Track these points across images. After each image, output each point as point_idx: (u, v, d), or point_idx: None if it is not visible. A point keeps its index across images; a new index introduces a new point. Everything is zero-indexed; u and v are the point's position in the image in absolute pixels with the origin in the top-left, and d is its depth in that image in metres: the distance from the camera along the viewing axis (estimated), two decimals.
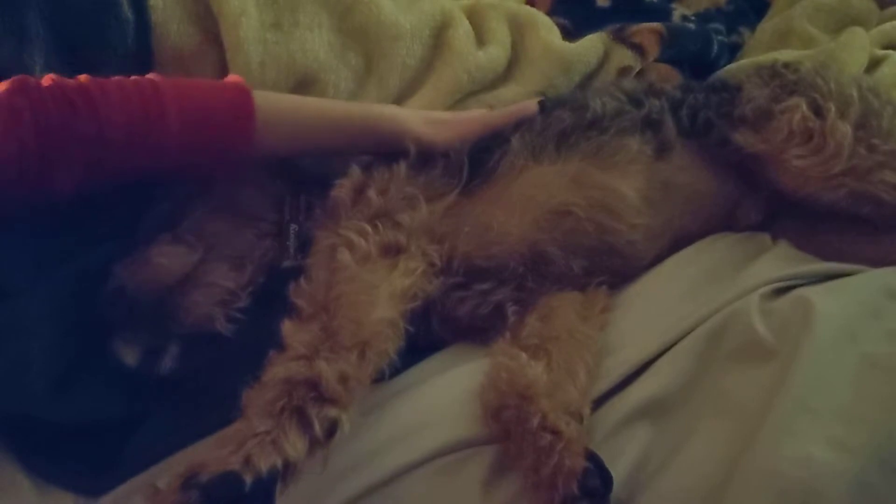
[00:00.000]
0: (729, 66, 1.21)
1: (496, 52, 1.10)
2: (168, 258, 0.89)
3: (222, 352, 0.88)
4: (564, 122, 0.92)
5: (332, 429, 0.66)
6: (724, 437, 0.67)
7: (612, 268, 0.87)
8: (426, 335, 0.85)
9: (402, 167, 0.91)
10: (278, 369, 0.69)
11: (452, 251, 0.86)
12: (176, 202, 0.95)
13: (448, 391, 0.77)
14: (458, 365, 0.81)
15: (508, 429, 0.69)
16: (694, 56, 1.23)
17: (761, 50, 1.29)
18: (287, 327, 0.74)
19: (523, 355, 0.75)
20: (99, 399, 0.84)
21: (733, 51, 1.35)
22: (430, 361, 0.83)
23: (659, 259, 0.90)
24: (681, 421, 0.71)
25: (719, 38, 1.29)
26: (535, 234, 0.86)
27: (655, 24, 1.18)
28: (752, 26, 1.40)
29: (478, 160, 0.91)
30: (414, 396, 0.77)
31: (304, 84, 1.01)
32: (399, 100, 1.07)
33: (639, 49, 1.14)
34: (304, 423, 0.65)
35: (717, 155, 0.93)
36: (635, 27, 1.16)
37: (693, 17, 1.34)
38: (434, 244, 0.85)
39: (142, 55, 0.93)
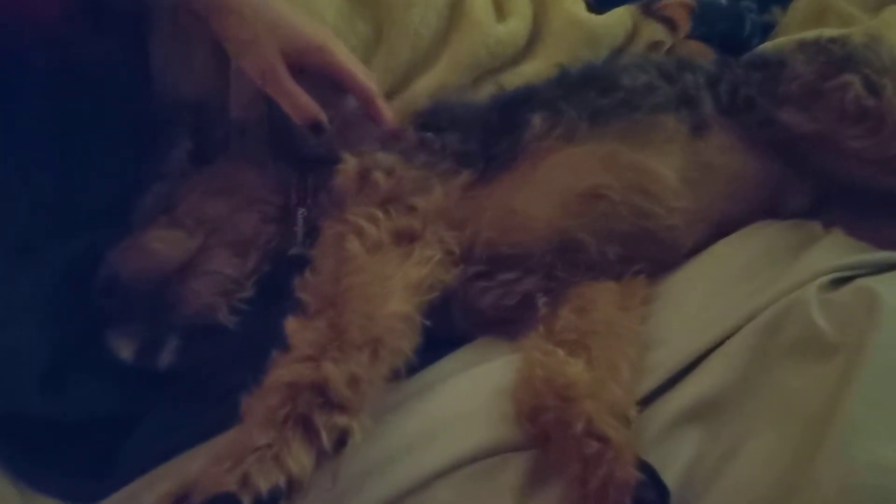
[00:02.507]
0: (765, 45, 1.14)
1: (517, 26, 1.03)
2: (165, 244, 0.83)
3: (225, 345, 0.82)
4: (592, 99, 0.85)
5: (341, 438, 0.60)
6: (784, 440, 0.61)
7: (650, 255, 0.81)
8: (446, 329, 0.78)
9: (410, 141, 0.85)
10: (281, 373, 0.62)
11: (474, 237, 0.79)
12: (174, 182, 0.88)
13: (474, 390, 0.70)
14: (483, 361, 0.74)
15: (547, 433, 0.62)
16: (725, 34, 1.16)
17: (796, 29, 1.22)
18: (291, 325, 0.67)
19: (560, 351, 0.69)
20: (91, 395, 0.79)
21: (765, 30, 1.29)
22: (452, 358, 0.76)
23: (698, 247, 0.83)
24: (736, 423, 0.64)
25: (752, 16, 1.23)
26: (564, 220, 0.79)
27: None
28: (785, 5, 1.33)
29: (495, 141, 0.84)
30: (435, 397, 0.70)
31: None
32: (410, 74, 1.00)
33: (669, 23, 1.08)
34: (310, 433, 0.58)
35: (759, 135, 0.86)
36: (664, 0, 1.10)
37: None
38: (452, 230, 0.78)
39: None
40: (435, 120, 0.90)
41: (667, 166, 0.82)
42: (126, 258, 0.82)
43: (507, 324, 0.78)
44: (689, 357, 0.69)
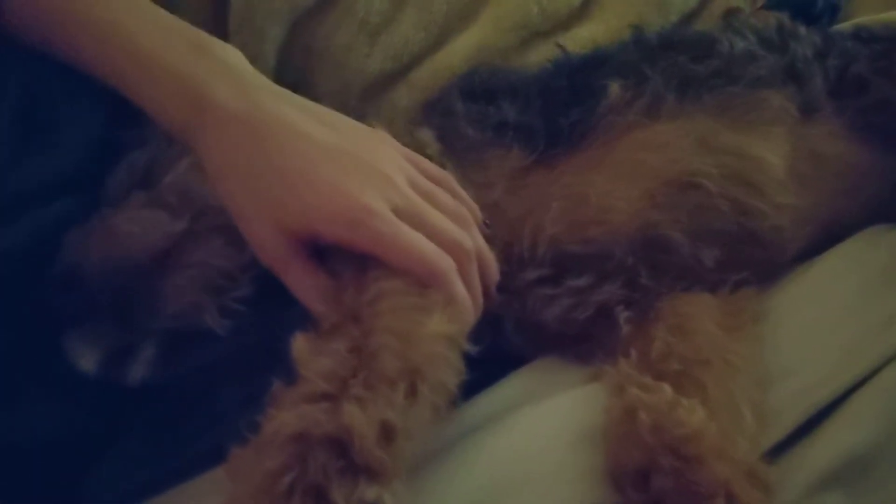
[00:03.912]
0: (844, 25, 0.99)
1: None
2: (142, 226, 0.66)
3: (213, 356, 0.65)
4: (683, 64, 0.69)
5: None
6: None
7: (751, 262, 0.65)
8: (494, 345, 0.62)
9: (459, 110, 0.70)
10: (286, 418, 0.45)
11: (536, 234, 0.63)
12: (155, 150, 0.71)
13: (544, 435, 0.53)
14: (551, 392, 0.58)
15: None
16: (797, 7, 1.01)
17: (869, 11, 1.08)
18: (300, 345, 0.51)
19: (667, 387, 0.52)
20: (45, 417, 0.62)
21: (833, 11, 1.14)
22: (507, 385, 0.60)
23: (805, 254, 0.67)
24: (890, 488, 0.49)
25: None
26: (649, 213, 0.63)
27: None
28: None
29: (561, 112, 0.68)
30: (489, 443, 0.53)
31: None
32: (445, 34, 0.83)
33: None
34: None
35: (873, 121, 0.71)
36: None
37: None
38: (507, 224, 0.63)
39: None
40: (482, 86, 0.73)
41: (773, 153, 0.67)
42: (91, 243, 0.65)
43: (577, 343, 0.62)
44: (825, 398, 0.53)
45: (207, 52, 0.60)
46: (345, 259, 0.57)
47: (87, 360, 0.63)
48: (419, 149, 0.67)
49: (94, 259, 0.64)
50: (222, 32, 0.78)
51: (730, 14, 0.91)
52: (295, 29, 0.80)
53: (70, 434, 0.62)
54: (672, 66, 0.69)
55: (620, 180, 0.64)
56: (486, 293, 0.59)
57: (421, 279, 0.54)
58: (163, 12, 0.62)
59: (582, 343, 0.62)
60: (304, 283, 0.57)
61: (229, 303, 0.65)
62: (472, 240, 0.58)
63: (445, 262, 0.55)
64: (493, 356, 0.61)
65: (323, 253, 0.58)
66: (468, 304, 0.56)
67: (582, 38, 0.85)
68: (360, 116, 0.82)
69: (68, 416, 0.63)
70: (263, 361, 0.53)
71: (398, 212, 0.55)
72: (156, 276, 0.64)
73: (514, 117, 0.68)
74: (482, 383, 0.60)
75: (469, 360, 0.55)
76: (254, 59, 0.79)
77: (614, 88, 0.67)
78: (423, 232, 0.55)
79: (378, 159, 0.57)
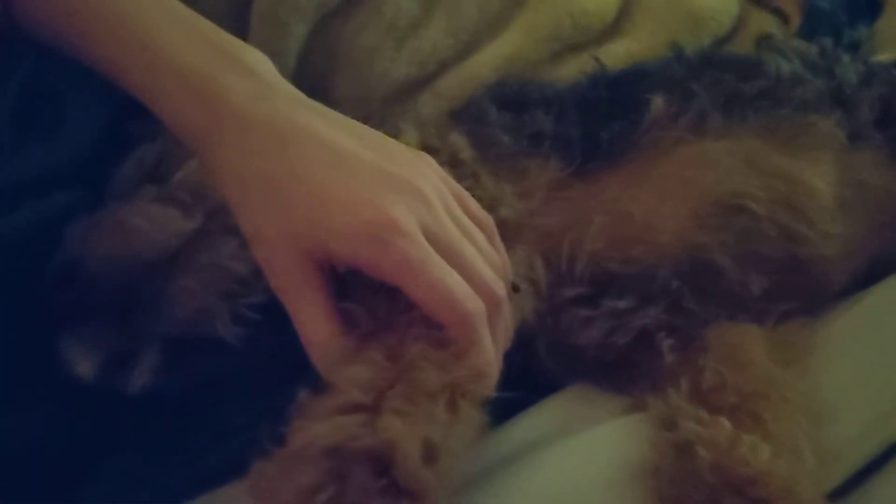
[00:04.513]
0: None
1: None
2: (152, 223, 0.61)
3: (223, 367, 0.61)
4: (730, 83, 0.66)
5: None
6: None
7: (797, 292, 0.62)
8: (524, 367, 0.58)
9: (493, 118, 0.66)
10: (318, 429, 0.41)
11: (575, 249, 0.60)
12: (166, 144, 0.66)
13: (586, 468, 0.49)
14: (589, 422, 0.53)
15: None
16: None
17: (891, 49, 1.07)
18: (325, 353, 0.47)
19: (725, 422, 0.48)
20: (36, 426, 0.57)
21: (853, 48, 1.14)
22: (542, 411, 0.56)
23: (848, 288, 0.64)
24: None
25: (847, 29, 1.07)
26: (696, 234, 0.60)
27: None
28: (871, 25, 1.19)
29: (602, 125, 0.65)
30: (525, 477, 0.49)
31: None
32: (475, 42, 0.79)
33: (781, 15, 0.90)
34: None
35: None
36: None
37: None
38: (543, 239, 0.59)
39: None
40: (514, 96, 0.70)
41: (821, 179, 0.64)
42: (96, 238, 0.60)
43: (615, 370, 0.58)
44: (886, 440, 0.50)
45: (229, 53, 0.54)
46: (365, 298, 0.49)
47: (84, 364, 0.58)
48: (452, 153, 0.63)
49: (98, 255, 0.60)
50: (243, 27, 0.75)
51: (763, 40, 0.89)
52: (319, 27, 0.76)
53: (62, 444, 0.57)
54: (718, 83, 0.66)
55: (666, 198, 0.61)
56: None
57: (443, 321, 0.46)
58: (183, 8, 0.57)
59: (620, 370, 0.58)
60: (312, 321, 0.48)
61: (242, 309, 0.60)
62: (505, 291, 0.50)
63: (476, 307, 0.47)
64: (521, 380, 0.57)
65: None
66: (492, 360, 0.48)
67: (615, 54, 0.82)
68: (381, 122, 0.80)
69: (60, 424, 0.58)
70: (279, 373, 0.49)
71: (430, 236, 0.47)
72: (164, 277, 0.60)
73: (550, 127, 0.65)
74: (510, 407, 0.57)
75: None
76: (274, 57, 0.76)
77: (658, 102, 0.64)
78: (456, 267, 0.47)
79: (414, 175, 0.50)
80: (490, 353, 0.48)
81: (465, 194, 0.53)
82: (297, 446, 0.41)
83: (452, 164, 0.63)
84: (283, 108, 0.51)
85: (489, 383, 0.48)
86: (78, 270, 0.59)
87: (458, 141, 0.64)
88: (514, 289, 0.53)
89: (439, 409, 0.43)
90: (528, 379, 0.59)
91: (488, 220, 0.54)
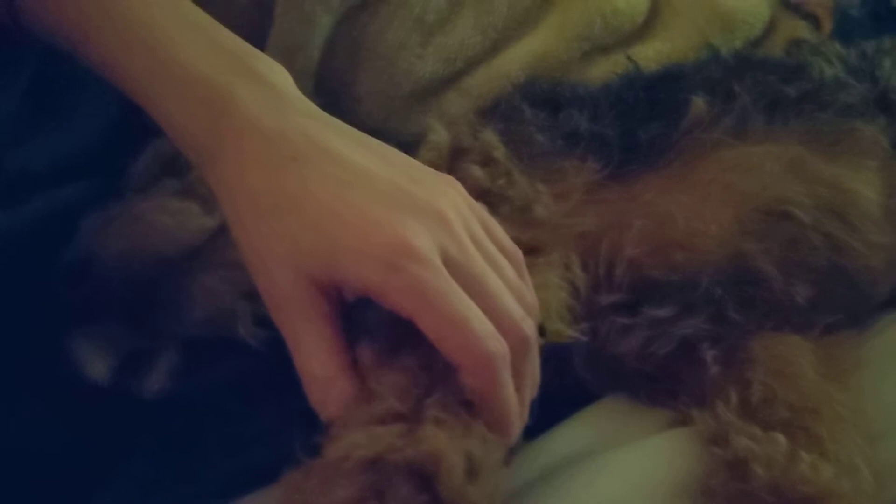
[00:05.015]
0: None
1: None
2: (173, 218, 0.59)
3: (244, 371, 0.58)
4: (773, 84, 0.64)
5: None
6: None
7: (842, 303, 0.59)
8: (558, 378, 0.55)
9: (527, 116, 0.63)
10: (355, 439, 0.38)
11: (614, 254, 0.57)
12: None
13: (631, 484, 0.47)
14: (631, 436, 0.51)
15: None
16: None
17: None
18: (366, 355, 0.43)
19: (781, 438, 0.46)
20: (42, 431, 0.54)
21: None
22: (580, 424, 0.53)
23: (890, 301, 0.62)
24: None
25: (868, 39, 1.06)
26: (740, 241, 0.57)
27: None
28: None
29: (639, 125, 0.63)
30: (573, 486, 0.47)
31: None
32: (504, 39, 0.77)
33: (813, 20, 0.88)
34: None
35: None
36: None
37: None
38: (580, 244, 0.57)
39: None
40: (546, 95, 0.68)
41: (867, 187, 0.61)
42: (112, 232, 0.58)
43: (654, 381, 0.56)
44: None
45: (242, 60, 0.49)
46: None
47: (96, 365, 0.56)
48: (485, 152, 0.61)
49: (115, 250, 0.57)
50: (266, 18, 0.72)
51: (795, 44, 0.87)
52: (345, 19, 0.74)
53: (72, 450, 0.54)
54: (761, 84, 0.63)
55: (708, 203, 0.58)
56: None
57: (458, 363, 0.40)
58: (194, 10, 0.52)
59: (660, 382, 0.56)
60: (314, 354, 0.43)
61: (265, 311, 0.58)
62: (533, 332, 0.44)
63: (498, 348, 0.40)
64: (557, 391, 0.54)
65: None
66: (514, 412, 0.42)
67: (646, 56, 0.80)
68: (405, 120, 0.78)
69: (68, 430, 0.55)
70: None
71: (450, 264, 0.42)
72: (183, 275, 0.57)
73: (586, 127, 0.62)
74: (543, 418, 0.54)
75: None
76: (297, 49, 0.74)
77: (698, 103, 0.62)
78: (478, 300, 0.41)
79: (435, 197, 0.44)
80: (512, 404, 0.42)
81: (493, 222, 0.48)
82: (333, 456, 0.38)
83: (485, 163, 0.61)
84: (295, 122, 0.46)
85: (510, 441, 0.43)
86: (92, 266, 0.57)
87: (491, 139, 0.61)
88: (540, 332, 0.46)
89: (478, 420, 0.41)
90: (561, 389, 0.57)
91: (517, 252, 0.48)
